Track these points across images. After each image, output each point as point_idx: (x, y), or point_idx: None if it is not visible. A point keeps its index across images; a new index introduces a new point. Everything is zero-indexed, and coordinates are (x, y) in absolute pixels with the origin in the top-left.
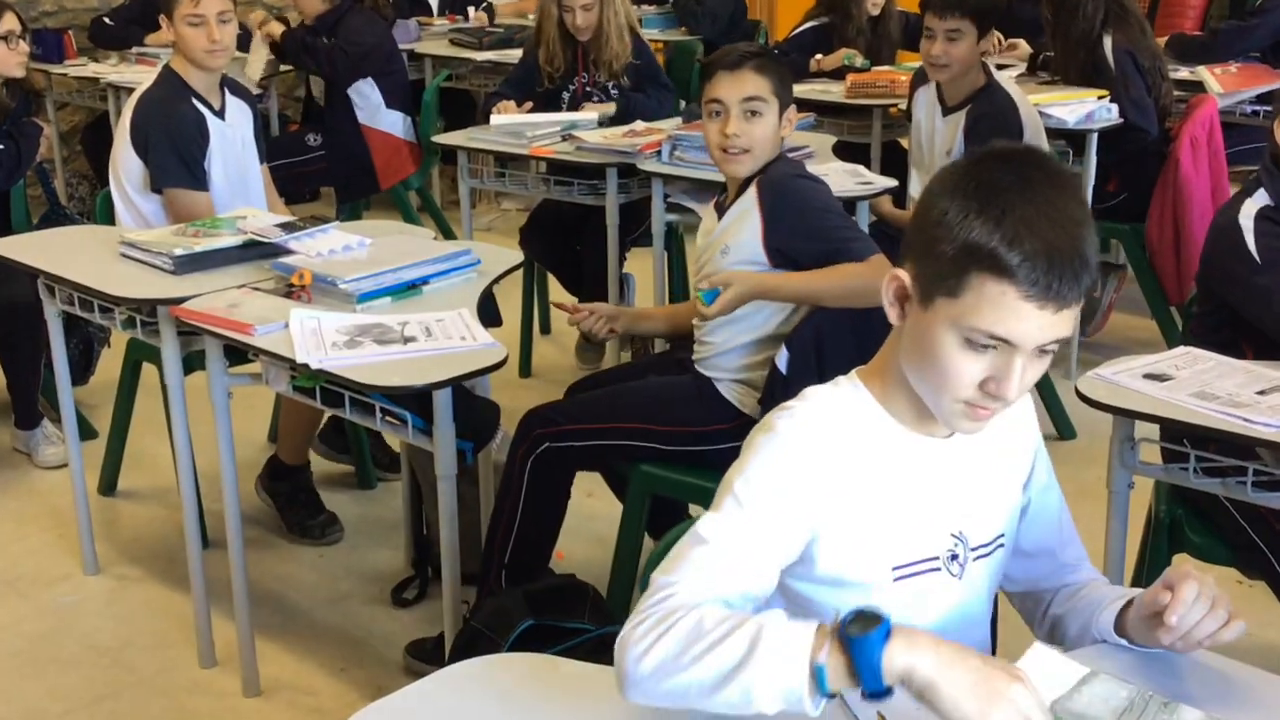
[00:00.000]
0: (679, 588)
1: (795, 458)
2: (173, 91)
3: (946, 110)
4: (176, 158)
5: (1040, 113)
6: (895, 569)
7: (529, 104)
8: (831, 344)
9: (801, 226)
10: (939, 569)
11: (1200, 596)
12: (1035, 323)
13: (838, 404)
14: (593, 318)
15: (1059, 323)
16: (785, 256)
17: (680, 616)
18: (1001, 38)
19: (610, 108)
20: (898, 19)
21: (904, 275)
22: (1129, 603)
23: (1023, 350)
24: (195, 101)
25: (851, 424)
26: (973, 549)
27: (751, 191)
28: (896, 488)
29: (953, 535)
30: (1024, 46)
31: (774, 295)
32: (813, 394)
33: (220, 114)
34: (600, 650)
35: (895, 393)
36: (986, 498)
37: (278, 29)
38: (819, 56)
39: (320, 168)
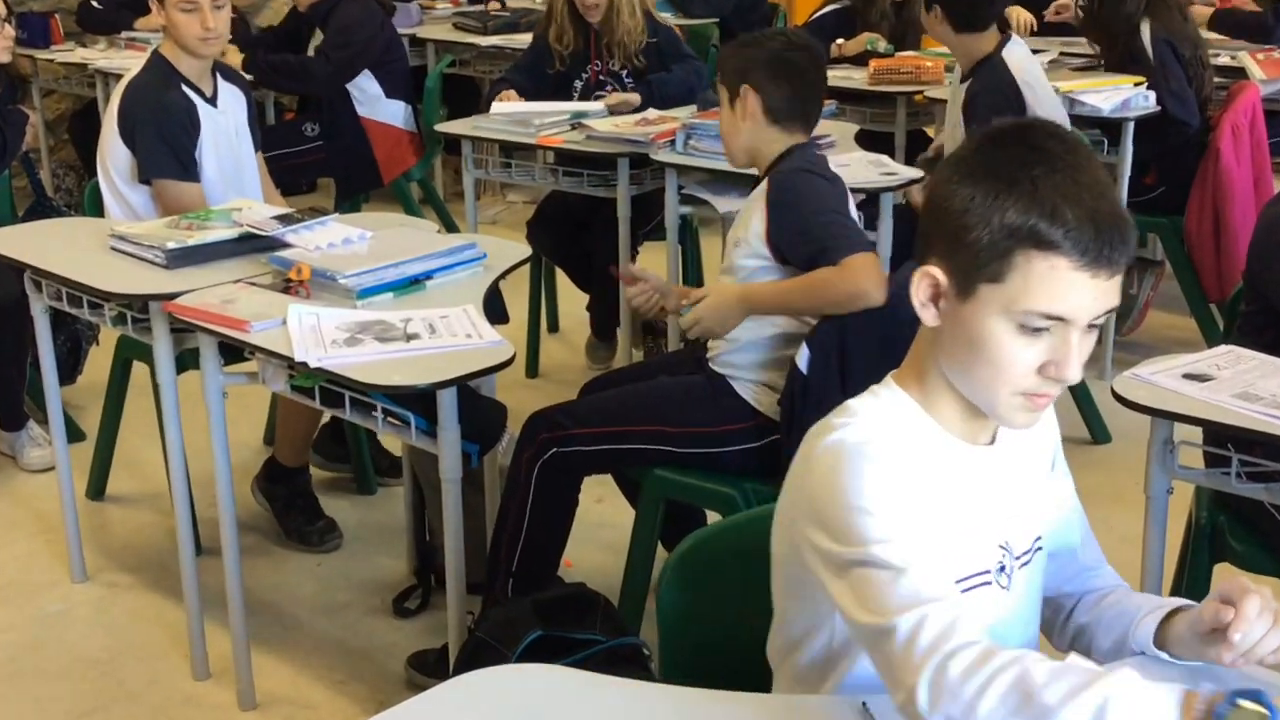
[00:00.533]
0: (933, 613)
1: (887, 464)
2: (162, 78)
3: (963, 77)
4: (165, 147)
5: (1073, 100)
6: (962, 580)
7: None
8: (855, 342)
9: (798, 225)
10: (990, 583)
11: (1263, 612)
12: (1089, 294)
13: (886, 414)
14: (646, 292)
15: (1110, 290)
16: (783, 254)
17: (998, 666)
18: (1028, 18)
19: (635, 98)
20: (923, 2)
21: (935, 272)
22: (1169, 614)
23: (1077, 325)
24: (185, 88)
25: (904, 434)
26: (1017, 557)
27: (764, 184)
28: (949, 500)
29: (1000, 546)
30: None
31: (758, 309)
32: (858, 407)
33: (212, 101)
34: (612, 662)
35: (938, 398)
36: (1024, 501)
37: (236, 59)
38: (840, 41)
39: (318, 159)
